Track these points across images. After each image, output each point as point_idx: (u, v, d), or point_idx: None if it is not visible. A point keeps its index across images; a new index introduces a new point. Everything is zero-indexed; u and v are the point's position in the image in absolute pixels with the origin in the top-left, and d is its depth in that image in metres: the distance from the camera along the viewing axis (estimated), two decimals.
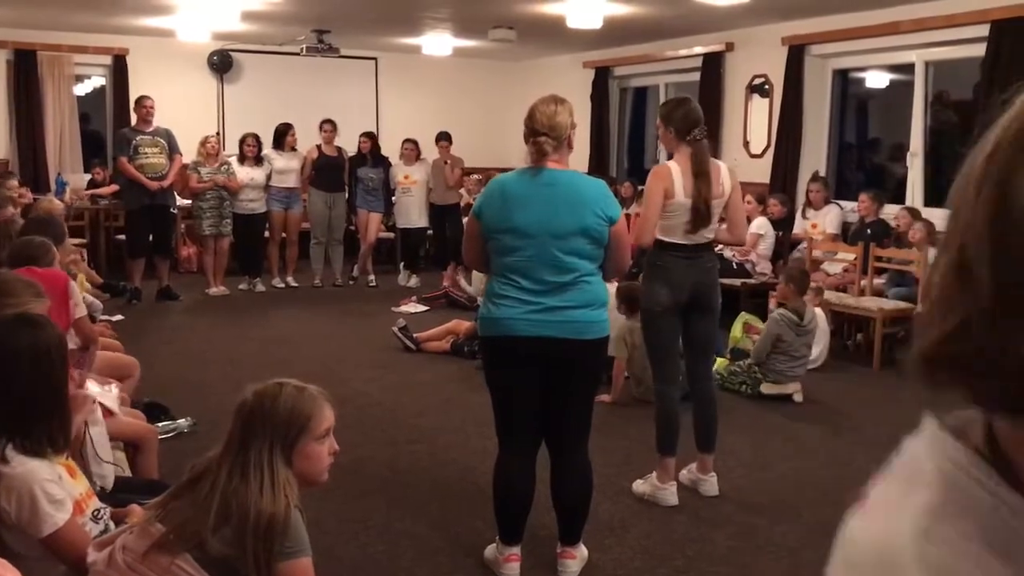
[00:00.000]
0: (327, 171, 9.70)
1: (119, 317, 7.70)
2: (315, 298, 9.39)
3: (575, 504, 3.52)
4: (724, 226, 4.33)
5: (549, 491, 3.53)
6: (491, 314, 3.37)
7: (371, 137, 10.05)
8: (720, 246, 8.35)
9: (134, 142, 8.69)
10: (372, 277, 10.10)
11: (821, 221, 8.28)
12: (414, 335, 7.18)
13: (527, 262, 3.28)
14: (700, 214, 4.03)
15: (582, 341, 3.32)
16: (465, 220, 5.11)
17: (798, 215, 8.55)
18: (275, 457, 2.09)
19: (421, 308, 8.75)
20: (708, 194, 4.03)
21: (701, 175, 4.03)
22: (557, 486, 3.51)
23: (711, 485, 4.34)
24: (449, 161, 10.16)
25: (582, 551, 3.58)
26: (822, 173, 8.92)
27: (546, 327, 3.28)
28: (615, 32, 9.49)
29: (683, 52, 10.11)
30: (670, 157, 4.22)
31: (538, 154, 3.32)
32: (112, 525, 2.42)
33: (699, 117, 4.13)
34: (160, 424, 4.74)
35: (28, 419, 2.25)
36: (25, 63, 10.44)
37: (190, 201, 9.39)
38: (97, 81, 11.43)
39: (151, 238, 8.98)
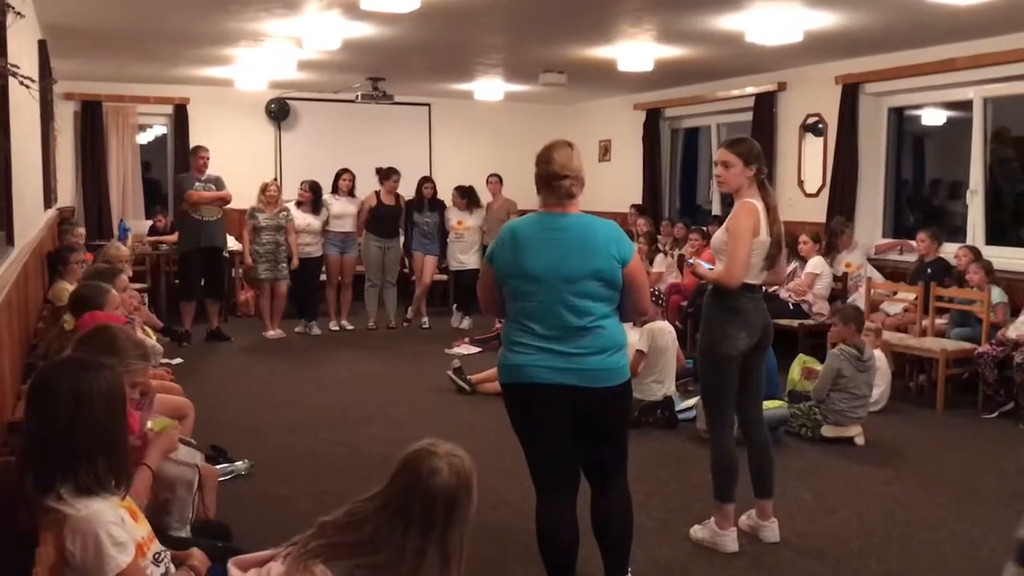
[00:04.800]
0: (384, 219, 9.78)
1: (178, 360, 7.83)
2: (369, 341, 9.47)
3: (616, 533, 3.47)
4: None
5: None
6: (508, 361, 3.35)
7: (432, 183, 10.18)
8: (776, 287, 8.35)
9: (196, 187, 8.91)
10: (425, 319, 10.17)
11: (852, 259, 8.36)
12: (468, 376, 7.20)
13: (539, 307, 3.26)
14: (772, 253, 4.04)
15: (600, 389, 3.27)
16: None
17: (829, 261, 8.32)
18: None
19: (474, 349, 8.77)
20: (780, 233, 4.06)
21: (772, 212, 4.07)
22: (596, 516, 3.47)
23: (772, 531, 4.26)
24: (497, 205, 10.23)
25: None
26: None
27: (563, 375, 3.24)
28: (666, 74, 9.52)
29: (735, 92, 10.10)
30: (725, 196, 4.22)
31: (567, 197, 3.31)
32: (172, 568, 2.45)
33: None
34: (219, 466, 4.79)
35: (74, 459, 2.27)
36: (91, 113, 10.82)
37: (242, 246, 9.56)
38: (159, 130, 11.77)
39: (203, 281, 9.15)
